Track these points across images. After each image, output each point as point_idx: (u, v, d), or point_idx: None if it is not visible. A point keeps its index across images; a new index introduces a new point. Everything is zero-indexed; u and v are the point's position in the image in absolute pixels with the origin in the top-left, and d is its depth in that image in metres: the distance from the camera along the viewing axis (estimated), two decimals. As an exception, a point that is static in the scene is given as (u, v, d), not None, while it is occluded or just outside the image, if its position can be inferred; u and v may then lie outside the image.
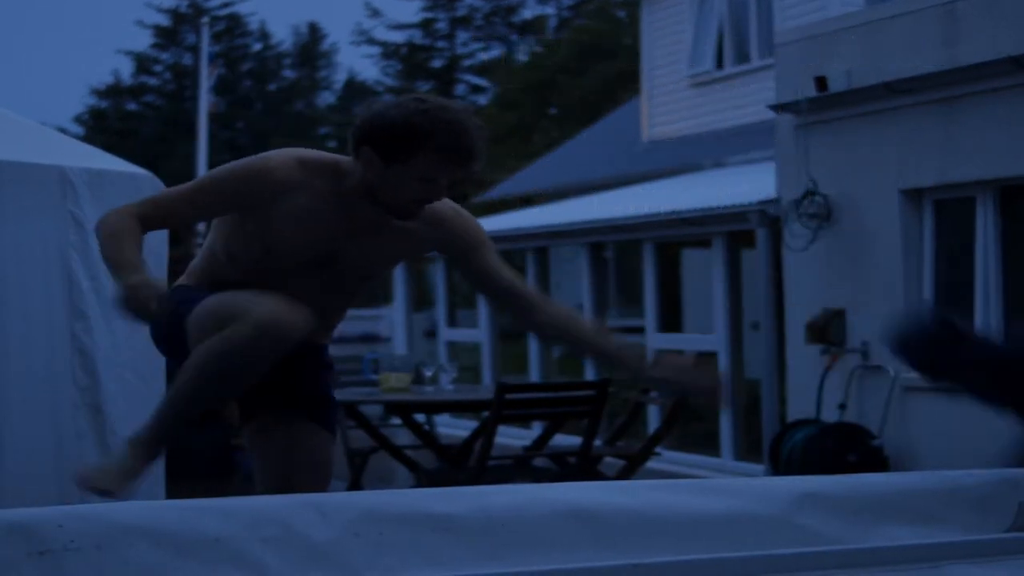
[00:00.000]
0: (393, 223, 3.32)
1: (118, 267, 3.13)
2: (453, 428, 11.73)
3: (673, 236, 11.42)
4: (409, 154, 3.17)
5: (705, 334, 10.94)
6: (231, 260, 3.36)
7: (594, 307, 12.25)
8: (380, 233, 3.34)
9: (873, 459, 8.74)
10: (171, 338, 3.29)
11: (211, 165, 21.36)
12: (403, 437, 9.00)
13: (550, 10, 38.35)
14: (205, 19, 22.28)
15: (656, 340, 11.25)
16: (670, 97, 15.02)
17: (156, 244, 4.90)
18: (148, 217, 3.24)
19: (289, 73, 43.90)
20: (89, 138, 33.57)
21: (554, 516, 2.26)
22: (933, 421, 8.69)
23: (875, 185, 9.04)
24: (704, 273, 11.14)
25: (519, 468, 7.63)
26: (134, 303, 3.04)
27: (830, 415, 9.19)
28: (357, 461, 7.99)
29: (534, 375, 12.93)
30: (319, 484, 3.45)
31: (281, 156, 3.29)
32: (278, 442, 3.43)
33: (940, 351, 2.86)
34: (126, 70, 47.96)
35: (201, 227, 18.78)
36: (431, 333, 15.73)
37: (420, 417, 8.44)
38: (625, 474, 7.67)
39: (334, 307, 3.48)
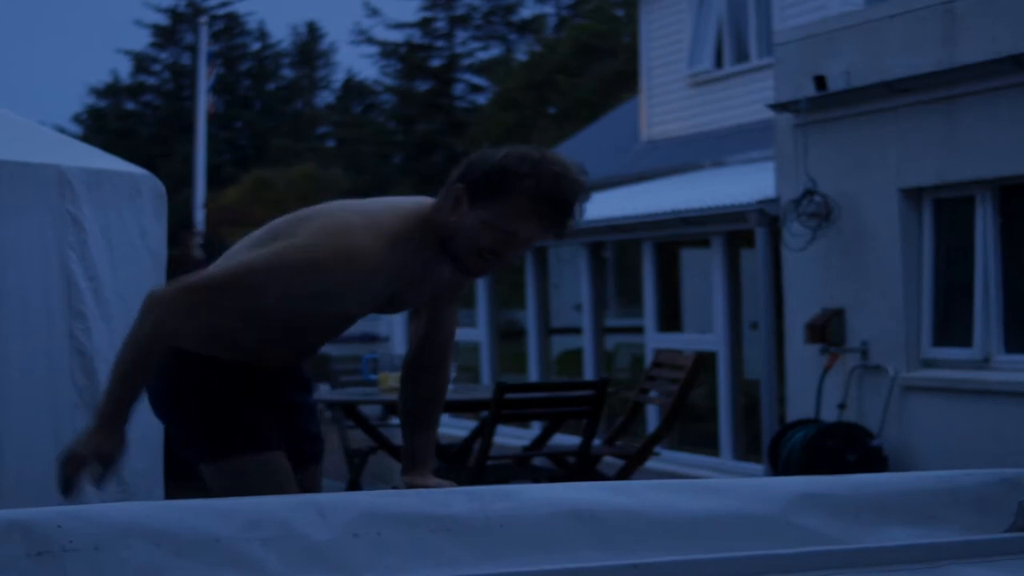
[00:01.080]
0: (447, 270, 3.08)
1: (108, 402, 2.97)
2: (452, 428, 11.73)
3: (672, 236, 11.42)
4: (499, 195, 2.92)
5: (704, 334, 10.94)
6: (252, 325, 3.12)
7: (593, 307, 12.24)
8: (432, 278, 3.13)
9: (872, 459, 8.74)
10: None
11: (210, 164, 21.33)
12: (399, 438, 8.99)
13: (549, 9, 38.37)
14: (204, 18, 22.24)
15: (655, 340, 11.25)
16: (669, 96, 15.02)
17: (156, 245, 4.90)
18: (200, 310, 2.97)
19: (288, 72, 43.90)
20: (87, 137, 33.59)
21: (553, 516, 2.26)
22: (932, 421, 8.69)
23: (874, 184, 9.04)
24: (703, 273, 11.13)
25: (518, 468, 7.62)
26: (69, 468, 2.89)
27: (829, 415, 9.19)
28: (356, 461, 7.98)
29: (533, 375, 12.92)
30: None
31: (369, 237, 2.94)
32: (273, 486, 3.15)
33: None
34: (124, 69, 48.01)
35: (201, 227, 18.70)
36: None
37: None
38: (624, 474, 7.67)
39: (334, 336, 3.30)
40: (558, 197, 2.94)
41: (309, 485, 3.34)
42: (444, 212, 2.97)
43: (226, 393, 3.18)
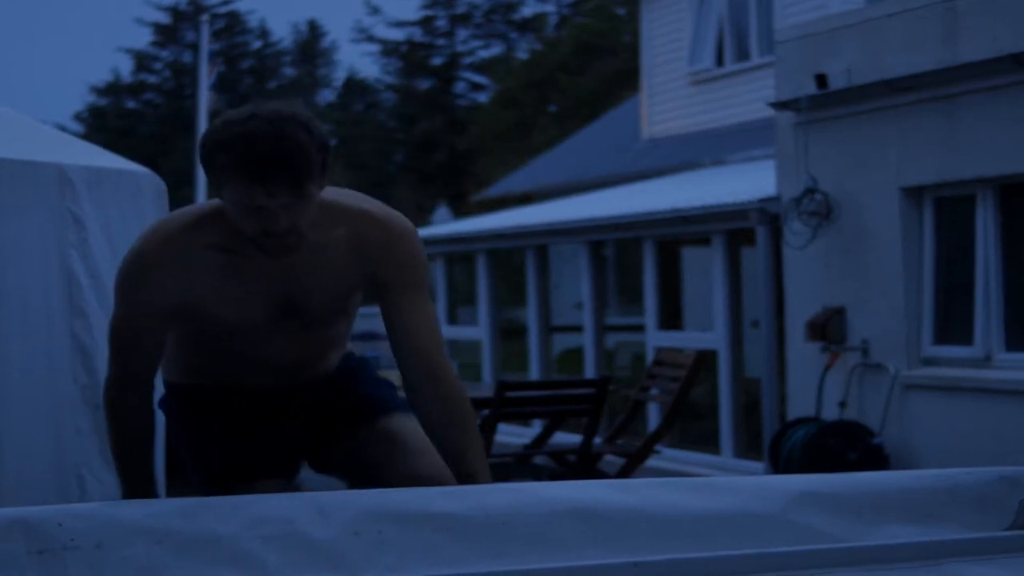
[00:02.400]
0: (311, 253, 2.84)
1: (123, 483, 3.00)
2: (453, 426, 11.70)
3: (673, 234, 11.42)
4: (217, 173, 2.71)
5: (705, 332, 10.94)
6: (196, 353, 3.08)
7: (594, 305, 12.25)
8: (310, 266, 2.88)
9: (873, 457, 8.75)
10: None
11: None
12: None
13: (550, 8, 38.37)
14: (205, 17, 22.23)
15: (656, 338, 11.25)
16: (670, 95, 15.02)
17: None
18: (133, 377, 2.96)
19: (289, 71, 43.91)
20: (88, 136, 33.58)
21: (554, 514, 2.26)
22: (933, 419, 8.69)
23: (875, 183, 9.04)
24: (704, 271, 11.14)
25: (519, 466, 7.63)
26: None
27: (830, 413, 9.19)
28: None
29: (534, 373, 12.93)
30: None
31: (144, 244, 2.88)
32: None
33: None
34: (125, 68, 48.00)
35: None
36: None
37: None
38: (625, 472, 7.67)
39: (318, 345, 3.11)
40: (256, 153, 2.64)
41: (391, 432, 3.09)
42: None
43: (211, 419, 3.12)
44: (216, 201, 2.86)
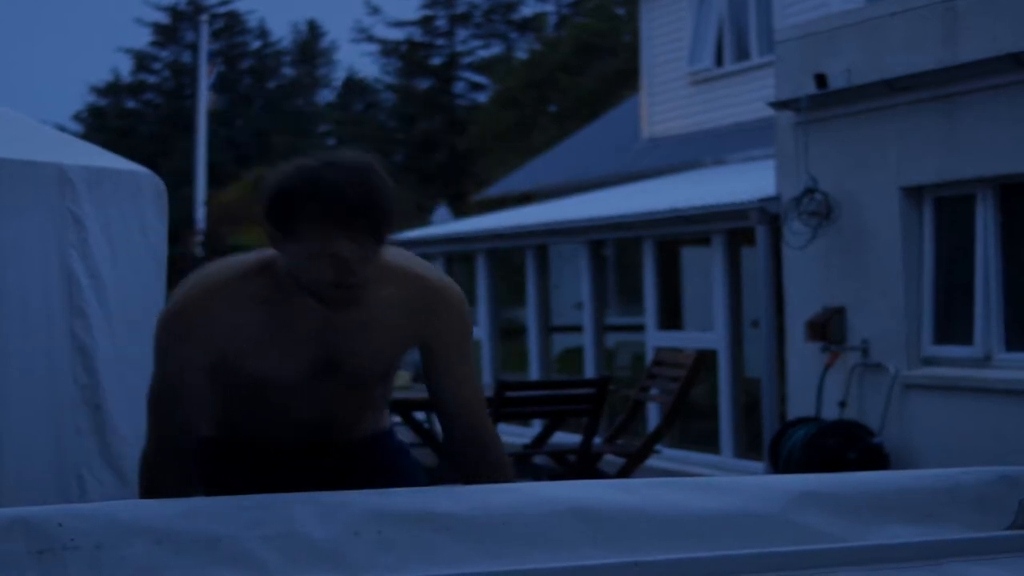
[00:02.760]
0: (358, 310, 2.75)
1: None
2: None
3: (673, 234, 11.42)
4: (294, 221, 2.64)
5: (705, 332, 10.94)
6: (225, 405, 2.97)
7: (594, 305, 12.25)
8: (356, 324, 2.80)
9: (873, 457, 8.75)
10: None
11: (210, 163, 21.33)
12: (403, 435, 8.99)
13: (550, 7, 38.37)
14: (204, 17, 22.26)
15: (656, 338, 11.25)
16: (670, 94, 15.02)
17: (157, 243, 4.89)
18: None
19: (288, 71, 43.92)
20: (88, 136, 33.56)
21: (554, 514, 2.26)
22: (933, 419, 8.69)
23: (875, 182, 9.04)
24: (704, 271, 11.14)
25: (519, 466, 7.62)
26: None
27: (830, 413, 9.19)
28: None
29: (534, 373, 12.93)
30: None
31: (188, 295, 2.79)
32: None
33: None
34: (125, 68, 47.99)
35: (202, 226, 18.67)
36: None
37: (420, 415, 8.44)
38: (625, 472, 7.67)
39: (355, 404, 3.02)
40: (346, 200, 2.62)
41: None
42: (279, 255, 2.75)
43: (239, 473, 3.03)
44: (262, 252, 2.81)
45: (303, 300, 2.74)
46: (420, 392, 7.87)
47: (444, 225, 17.66)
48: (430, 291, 2.87)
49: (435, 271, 2.95)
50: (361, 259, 2.65)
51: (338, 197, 2.61)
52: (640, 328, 11.70)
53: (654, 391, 8.39)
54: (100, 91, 42.02)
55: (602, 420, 7.76)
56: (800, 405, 9.53)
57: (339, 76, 44.88)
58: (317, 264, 2.65)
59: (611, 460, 8.13)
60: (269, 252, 2.79)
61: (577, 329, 12.56)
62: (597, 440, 7.93)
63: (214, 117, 23.21)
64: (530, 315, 13.07)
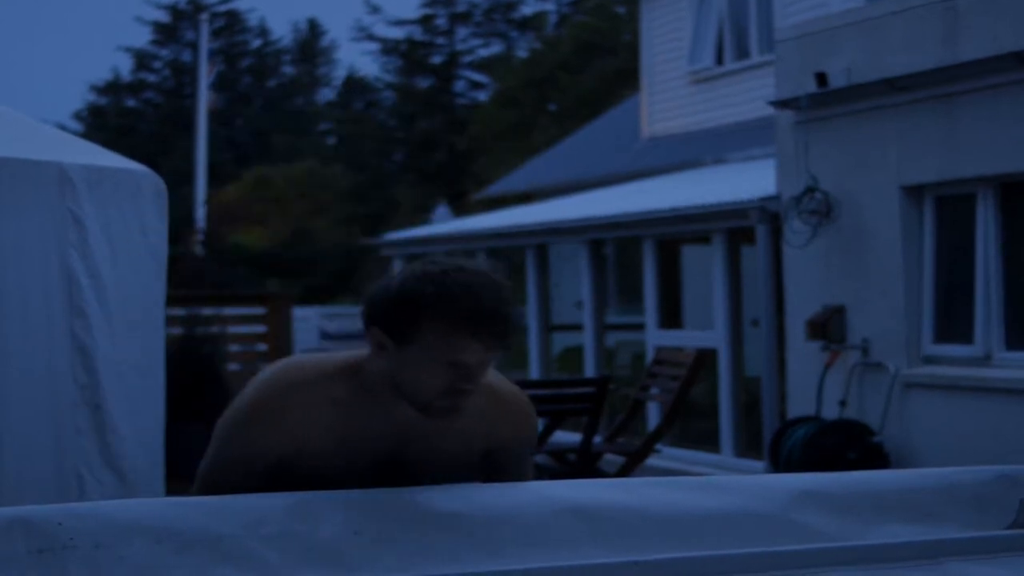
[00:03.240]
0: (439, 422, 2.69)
1: None
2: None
3: (673, 233, 11.42)
4: (418, 329, 2.56)
5: (705, 331, 10.94)
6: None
7: (594, 304, 12.25)
8: (436, 434, 2.72)
9: (873, 456, 8.74)
10: None
11: (210, 162, 21.31)
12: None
13: (550, 6, 38.38)
14: (204, 15, 22.24)
15: (656, 337, 11.25)
16: (670, 94, 15.01)
17: (157, 242, 4.89)
18: None
19: (288, 69, 43.92)
20: (88, 135, 33.56)
21: (554, 513, 2.26)
22: (933, 418, 8.69)
23: (875, 181, 9.04)
24: (704, 270, 11.13)
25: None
26: None
27: (830, 412, 9.19)
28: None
29: (534, 372, 12.92)
30: None
31: (268, 389, 2.66)
32: None
33: None
34: (125, 67, 47.94)
35: (202, 225, 18.67)
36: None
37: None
38: (625, 471, 7.67)
39: None
40: (481, 307, 2.56)
41: None
42: (375, 360, 2.66)
43: None
44: (350, 354, 2.72)
45: (386, 405, 2.67)
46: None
47: (444, 224, 17.66)
48: (511, 406, 2.85)
49: (509, 383, 2.91)
50: (483, 366, 2.61)
51: (473, 303, 2.55)
52: (640, 327, 11.70)
53: (654, 390, 8.39)
54: (100, 90, 42.03)
55: (602, 419, 7.76)
56: (800, 404, 9.53)
57: (339, 75, 44.91)
58: (435, 371, 2.58)
59: (611, 459, 8.13)
60: (358, 354, 2.70)
61: (577, 328, 12.56)
62: (597, 439, 7.93)
63: (214, 116, 23.19)
64: (530, 314, 13.07)
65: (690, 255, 12.27)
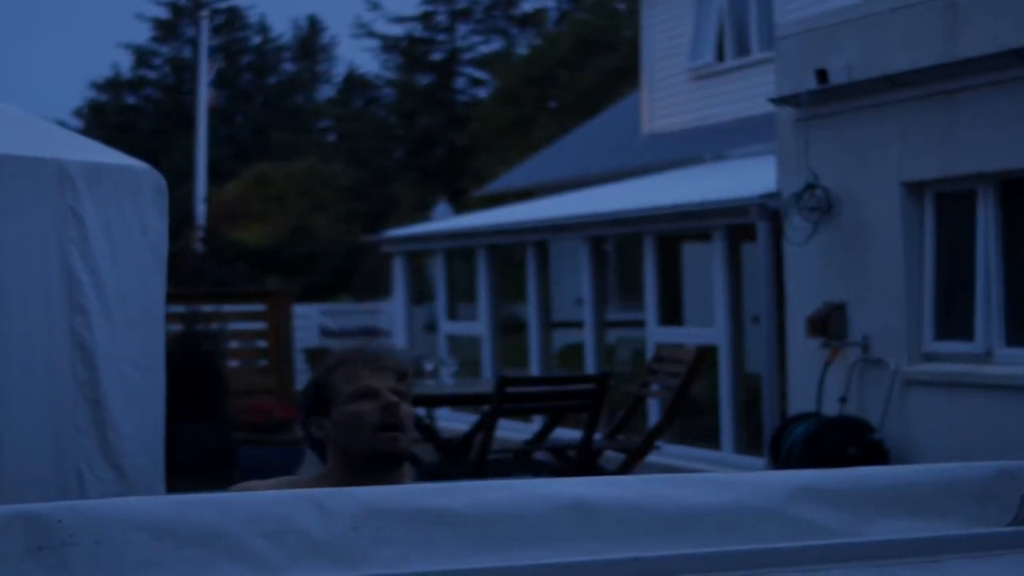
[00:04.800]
0: None
1: None
2: (453, 422, 11.73)
3: (673, 230, 11.42)
4: (332, 390, 3.05)
5: (705, 328, 10.94)
6: None
7: (594, 301, 12.25)
8: None
9: (874, 453, 8.75)
10: None
11: (210, 159, 21.33)
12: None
13: (550, 3, 38.37)
14: (204, 12, 22.26)
15: (656, 334, 11.25)
16: (670, 90, 15.01)
17: (157, 240, 4.89)
18: None
19: (289, 66, 43.89)
20: (88, 132, 33.56)
21: (554, 510, 2.26)
22: (934, 415, 8.69)
23: (876, 178, 9.04)
24: (704, 267, 11.14)
25: (519, 462, 7.63)
26: None
27: (831, 409, 9.19)
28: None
29: (534, 369, 12.93)
30: None
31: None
32: None
33: None
34: (125, 64, 47.93)
35: (202, 222, 18.71)
36: (431, 327, 15.74)
37: (420, 411, 8.45)
38: (625, 468, 7.67)
39: None
40: (370, 348, 3.14)
41: None
42: (325, 446, 3.07)
43: None
44: (299, 477, 3.29)
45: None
46: (420, 388, 7.88)
47: (444, 221, 17.66)
48: None
49: None
50: (397, 393, 3.02)
51: (363, 350, 3.09)
52: (640, 324, 11.70)
53: (654, 387, 8.39)
54: (100, 87, 42.01)
55: (602, 416, 7.76)
56: (800, 401, 9.53)
57: (339, 72, 44.86)
58: (359, 409, 2.99)
59: (611, 456, 8.13)
60: (321, 471, 3.12)
61: (577, 325, 12.56)
62: (597, 436, 7.93)
63: (214, 113, 23.22)
64: (530, 311, 13.08)
65: (690, 252, 12.27)
